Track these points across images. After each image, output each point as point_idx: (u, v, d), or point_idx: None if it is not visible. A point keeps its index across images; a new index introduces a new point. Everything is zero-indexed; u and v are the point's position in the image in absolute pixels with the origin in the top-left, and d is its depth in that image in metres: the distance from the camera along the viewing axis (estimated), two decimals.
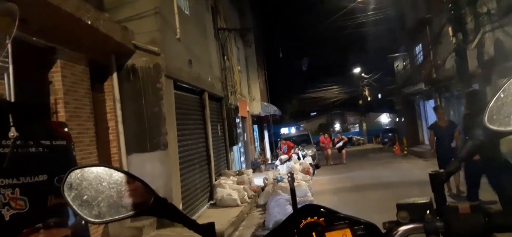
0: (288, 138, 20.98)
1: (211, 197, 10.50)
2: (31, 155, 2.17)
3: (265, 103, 24.23)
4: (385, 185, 11.21)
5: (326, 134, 22.77)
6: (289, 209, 7.59)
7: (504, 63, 12.59)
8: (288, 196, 8.18)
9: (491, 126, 0.85)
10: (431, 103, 21.73)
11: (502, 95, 0.86)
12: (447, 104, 19.91)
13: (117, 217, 0.96)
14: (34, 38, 5.32)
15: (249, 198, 10.42)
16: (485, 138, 0.88)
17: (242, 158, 17.19)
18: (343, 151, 21.34)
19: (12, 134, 1.75)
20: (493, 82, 13.68)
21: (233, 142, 14.10)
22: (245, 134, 18.62)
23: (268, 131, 27.77)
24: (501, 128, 0.84)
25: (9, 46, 3.56)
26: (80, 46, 6.29)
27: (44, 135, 2.45)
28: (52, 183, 2.44)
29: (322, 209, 1.06)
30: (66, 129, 2.72)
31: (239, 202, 9.72)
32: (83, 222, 2.80)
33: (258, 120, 24.75)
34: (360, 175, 15.18)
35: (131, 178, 0.98)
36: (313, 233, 1.01)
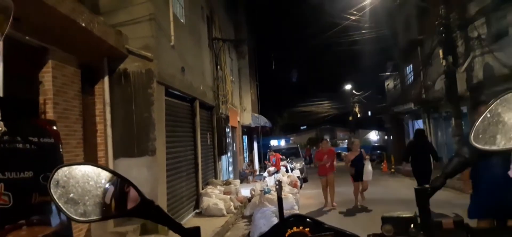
0: (277, 150, 20.97)
1: (197, 206, 10.45)
2: (17, 151, 2.15)
3: (255, 115, 24.25)
4: (372, 201, 11.23)
5: (324, 142, 12.24)
6: (275, 221, 7.58)
7: (492, 87, 12.79)
8: (274, 208, 8.17)
9: (476, 145, 0.87)
10: (419, 123, 21.94)
11: (488, 115, 0.88)
12: (435, 124, 20.13)
13: (103, 216, 0.96)
14: (27, 37, 5.29)
15: (235, 208, 10.38)
16: (470, 156, 0.90)
17: (230, 168, 17.15)
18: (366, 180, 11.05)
19: (0, 128, 1.74)
20: (481, 106, 13.85)
21: (222, 152, 14.06)
22: (234, 144, 18.59)
23: (258, 143, 27.76)
24: (486, 147, 0.86)
25: (0, 43, 3.54)
26: (72, 48, 6.26)
27: (32, 132, 2.43)
28: (38, 180, 2.42)
29: (307, 220, 1.07)
30: (54, 127, 2.70)
31: (225, 212, 9.67)
32: (67, 222, 2.77)
33: (248, 131, 24.74)
34: (347, 190, 15.16)
35: (119, 178, 0.97)
36: None
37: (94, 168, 0.97)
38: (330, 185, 11.30)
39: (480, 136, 0.87)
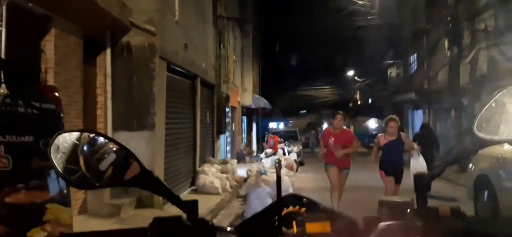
0: (275, 132, 21.02)
1: (193, 183, 10.50)
2: (19, 115, 2.14)
3: (256, 96, 24.21)
4: (367, 187, 11.27)
5: (337, 118, 7.62)
6: (269, 202, 7.61)
7: (495, 81, 12.74)
8: (269, 189, 8.22)
9: (479, 134, 0.87)
10: (419, 113, 21.93)
11: (493, 105, 0.88)
12: (435, 115, 20.12)
13: (101, 184, 0.96)
14: (30, 4, 5.25)
15: (231, 187, 10.43)
16: (471, 145, 0.91)
17: (228, 148, 17.19)
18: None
19: (2, 91, 1.73)
20: (483, 99, 13.84)
21: (221, 131, 14.08)
22: (233, 124, 18.61)
23: (257, 124, 27.78)
24: (489, 137, 0.86)
25: (4, 8, 3.51)
26: (76, 18, 6.23)
27: (33, 96, 2.42)
28: (38, 145, 2.43)
29: (304, 200, 1.07)
30: (56, 94, 2.69)
31: (220, 191, 9.73)
32: (65, 190, 2.78)
33: (248, 112, 24.73)
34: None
35: (119, 147, 0.97)
36: (294, 222, 1.02)
37: (95, 135, 0.97)
38: (340, 188, 7.69)
39: (484, 125, 0.87)
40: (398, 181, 7.11)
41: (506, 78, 11.67)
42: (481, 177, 6.83)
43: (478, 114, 0.87)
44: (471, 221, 0.88)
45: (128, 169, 0.96)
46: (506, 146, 6.23)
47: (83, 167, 0.94)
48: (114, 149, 0.97)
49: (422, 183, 0.92)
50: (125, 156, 0.97)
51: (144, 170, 0.96)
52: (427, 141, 10.23)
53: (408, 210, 0.93)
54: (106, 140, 0.98)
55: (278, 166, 1.08)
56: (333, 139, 7.38)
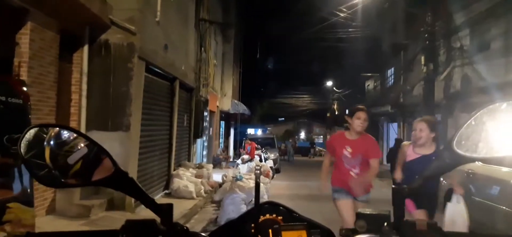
0: (253, 139, 21.01)
1: (167, 186, 10.38)
2: None
3: (235, 101, 24.19)
4: None
5: (359, 115, 5.11)
6: (244, 209, 7.59)
7: (468, 98, 13.07)
8: (244, 196, 8.19)
9: (458, 150, 0.87)
10: (394, 126, 22.30)
11: (473, 123, 0.89)
12: (409, 129, 20.47)
13: (72, 182, 0.92)
14: None
15: (205, 192, 10.36)
16: (450, 161, 0.90)
17: (205, 152, 17.09)
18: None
19: None
20: (455, 115, 14.19)
21: (198, 135, 13.98)
22: (211, 129, 18.52)
23: (235, 129, 27.73)
24: (467, 154, 0.87)
25: None
26: (54, 12, 6.08)
27: (0, 90, 2.33)
28: (1, 141, 2.33)
29: (281, 208, 1.06)
30: (24, 88, 2.60)
31: (194, 195, 9.64)
32: (28, 190, 2.68)
33: (226, 117, 24.67)
34: (317, 184, 15.33)
35: (94, 145, 0.93)
36: (270, 230, 1.01)
37: (69, 131, 0.93)
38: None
39: (463, 142, 0.88)
40: (432, 214, 4.89)
41: (478, 95, 11.98)
42: (451, 191, 6.96)
43: (457, 131, 0.88)
44: (448, 235, 0.88)
45: (99, 167, 0.92)
46: (477, 162, 6.39)
47: (54, 164, 0.90)
48: (88, 146, 0.92)
49: (399, 196, 0.91)
50: (97, 153, 0.92)
51: (118, 170, 0.92)
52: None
53: (385, 223, 0.92)
54: (80, 137, 0.93)
55: (257, 172, 1.07)
56: (349, 150, 4.84)
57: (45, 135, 0.92)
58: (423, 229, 0.89)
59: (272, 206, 1.09)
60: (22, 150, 0.90)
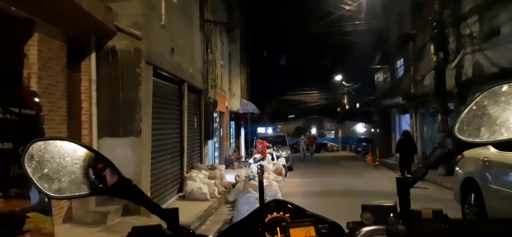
0: (264, 137, 21.01)
1: (180, 189, 10.42)
2: None
3: (244, 101, 24.21)
4: (354, 193, 11.32)
5: None
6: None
7: (481, 85, 12.90)
8: (258, 195, 8.18)
9: (460, 136, 0.86)
10: (406, 117, 22.13)
11: (474, 107, 0.87)
12: (421, 119, 20.32)
13: (78, 194, 0.93)
14: (13, 8, 5.16)
15: (219, 193, 10.38)
16: (453, 148, 0.89)
17: (216, 153, 17.13)
18: None
19: None
20: (468, 103, 14.01)
21: (209, 136, 14.02)
22: (221, 130, 18.57)
23: (245, 129, 27.77)
24: (470, 139, 0.85)
25: None
26: (60, 22, 6.14)
27: (13, 102, 2.35)
28: (17, 152, 2.35)
29: (288, 205, 1.06)
30: (36, 99, 2.62)
31: (208, 197, 9.67)
32: (46, 199, 2.70)
33: (236, 117, 24.71)
34: (331, 180, 15.33)
35: (96, 155, 0.95)
36: (278, 228, 1.01)
37: (71, 143, 0.95)
38: None
39: (465, 128, 0.86)
40: None
41: (491, 82, 11.79)
42: (467, 180, 6.90)
43: (458, 116, 0.86)
44: (454, 223, 0.87)
45: (105, 178, 0.94)
46: (492, 149, 6.31)
47: (58, 177, 0.92)
48: (91, 157, 0.95)
49: (404, 186, 0.90)
50: (102, 164, 0.94)
51: (122, 178, 0.93)
52: (408, 146, 13.38)
53: (391, 214, 0.91)
54: (82, 148, 0.95)
55: (259, 172, 1.07)
56: None
57: (47, 148, 0.95)
58: (428, 217, 0.88)
59: (279, 204, 1.09)
60: (26, 164, 0.92)
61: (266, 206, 1.11)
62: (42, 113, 2.62)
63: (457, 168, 7.45)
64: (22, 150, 2.47)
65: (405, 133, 14.41)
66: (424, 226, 0.87)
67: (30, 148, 0.93)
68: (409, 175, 0.90)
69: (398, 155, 13.98)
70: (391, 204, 0.93)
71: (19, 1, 5.14)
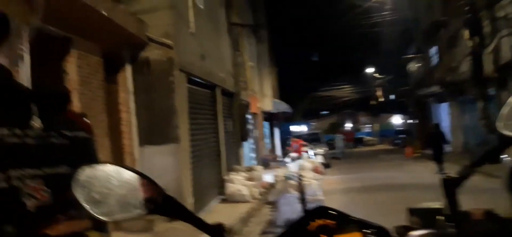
0: (298, 136, 20.91)
1: (221, 192, 10.53)
2: (53, 146, 2.16)
3: (276, 100, 24.18)
4: (396, 187, 11.13)
5: None
6: (299, 207, 7.55)
7: None
8: (298, 195, 8.17)
9: (504, 131, 0.84)
10: (444, 106, 21.51)
11: None
12: (461, 108, 19.70)
13: (126, 216, 0.98)
14: (50, 27, 5.37)
15: (259, 194, 10.43)
16: (497, 144, 0.87)
17: (253, 155, 17.20)
18: None
19: (36, 124, 1.76)
20: (509, 87, 13.49)
21: (244, 138, 14.11)
22: (255, 130, 18.62)
23: (279, 128, 27.72)
24: None
25: (27, 35, 3.59)
26: (95, 37, 6.33)
27: (65, 125, 2.45)
28: (72, 175, 2.46)
29: (332, 211, 1.05)
30: (86, 120, 2.73)
31: (249, 198, 9.73)
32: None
33: (269, 117, 24.70)
34: (370, 176, 15.10)
35: (140, 176, 0.98)
36: (321, 235, 1.00)
37: (116, 167, 0.99)
38: None
39: (509, 122, 0.84)
40: None
41: None
42: None
43: (501, 111, 0.85)
44: (506, 222, 0.86)
45: (149, 197, 0.98)
46: None
47: (106, 200, 0.97)
48: (134, 178, 0.99)
49: (451, 186, 0.89)
50: (146, 183, 0.99)
51: (165, 196, 0.97)
52: (439, 139, 13.62)
53: (440, 217, 0.90)
54: (126, 170, 1.00)
55: (299, 184, 1.07)
56: None
57: (94, 173, 1.00)
58: (478, 218, 0.87)
59: (322, 211, 1.08)
60: (76, 190, 0.98)
61: (310, 213, 1.10)
62: (92, 133, 2.72)
63: (505, 155, 7.19)
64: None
65: (436, 127, 14.84)
66: (475, 228, 0.86)
67: (79, 174, 0.99)
68: (455, 175, 0.89)
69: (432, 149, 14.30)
70: (439, 206, 0.91)
71: (56, 20, 5.34)
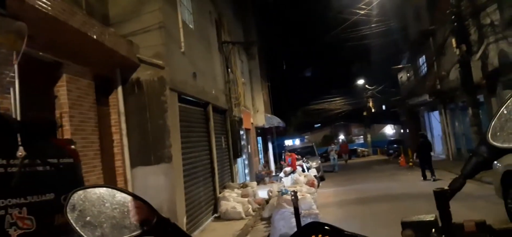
0: (292, 150, 20.90)
1: (215, 210, 10.47)
2: (38, 174, 2.15)
3: (269, 115, 24.21)
4: (391, 197, 11.13)
5: None
6: (294, 222, 7.52)
7: (509, 74, 12.57)
8: (292, 209, 8.13)
9: (494, 143, 0.85)
10: (435, 115, 21.67)
11: (505, 112, 0.86)
12: (452, 115, 19.86)
13: None
14: (40, 53, 5.36)
15: (253, 211, 10.37)
16: (488, 155, 0.88)
17: (246, 171, 17.15)
18: None
19: (20, 153, 1.74)
20: (498, 93, 13.65)
21: (237, 154, 14.08)
22: (249, 146, 18.60)
23: (272, 143, 27.70)
24: (505, 145, 0.84)
25: (15, 64, 3.58)
26: (85, 61, 6.33)
27: (51, 153, 2.43)
28: (59, 201, 2.43)
29: (326, 227, 1.04)
30: (73, 147, 2.71)
31: (243, 215, 9.67)
32: None
33: (262, 132, 24.71)
34: (365, 187, 15.10)
35: (134, 198, 0.98)
36: None
37: (109, 189, 0.99)
38: None
39: (498, 134, 0.85)
40: None
41: None
42: (508, 173, 6.67)
43: (490, 123, 0.85)
44: (498, 233, 0.86)
45: (144, 219, 0.97)
46: None
47: (100, 223, 0.96)
48: (128, 200, 0.98)
49: (443, 199, 0.90)
50: (140, 206, 0.98)
51: (160, 218, 0.96)
52: (426, 148, 14.65)
53: (433, 230, 0.91)
54: (120, 192, 0.99)
55: (294, 199, 1.07)
56: None
57: (87, 197, 0.99)
58: (471, 230, 0.87)
59: (316, 227, 1.07)
60: (68, 214, 0.96)
61: (303, 230, 1.09)
62: (79, 160, 2.70)
63: (495, 162, 7.24)
64: (63, 199, 2.57)
65: (423, 136, 16.31)
66: None
67: (71, 198, 0.97)
68: (446, 188, 0.90)
69: (417, 157, 15.65)
70: (432, 219, 0.91)
71: (46, 46, 5.34)
